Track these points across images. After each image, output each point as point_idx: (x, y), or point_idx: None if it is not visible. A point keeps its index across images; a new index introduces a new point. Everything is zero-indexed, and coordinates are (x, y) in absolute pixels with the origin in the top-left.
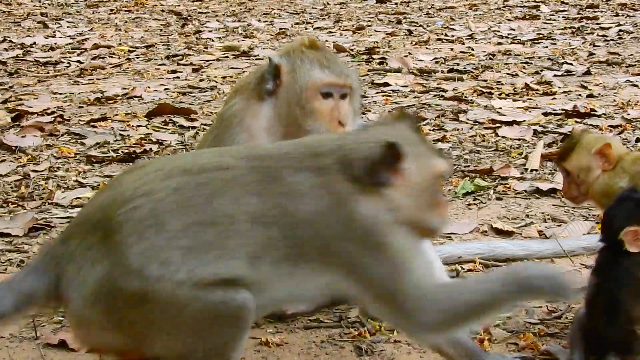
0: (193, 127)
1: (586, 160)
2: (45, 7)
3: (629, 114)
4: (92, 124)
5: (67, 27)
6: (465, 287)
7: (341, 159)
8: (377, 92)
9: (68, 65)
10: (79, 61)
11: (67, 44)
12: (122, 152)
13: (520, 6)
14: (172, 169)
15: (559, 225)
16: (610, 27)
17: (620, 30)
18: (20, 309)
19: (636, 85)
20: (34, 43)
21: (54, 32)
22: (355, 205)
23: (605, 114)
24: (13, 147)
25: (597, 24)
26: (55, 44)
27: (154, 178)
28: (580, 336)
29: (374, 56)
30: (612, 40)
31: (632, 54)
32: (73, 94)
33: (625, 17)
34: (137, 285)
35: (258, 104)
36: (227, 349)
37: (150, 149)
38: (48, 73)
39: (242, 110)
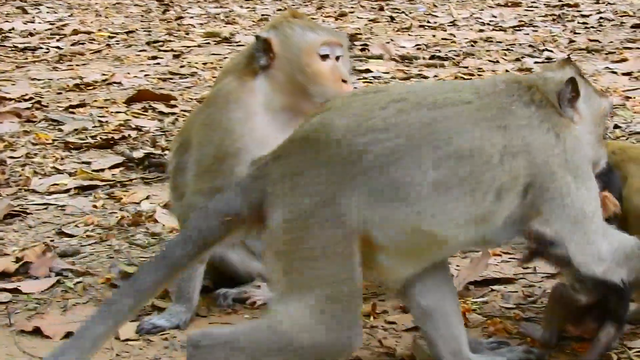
0: (173, 114)
1: None
2: None
3: None
4: (70, 110)
5: (47, 12)
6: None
7: (545, 94)
8: (359, 79)
9: (47, 51)
10: (58, 47)
11: (46, 30)
12: (100, 138)
13: None
14: (415, 103)
15: None
16: (590, 15)
17: (601, 18)
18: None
19: (615, 73)
20: (13, 28)
21: (33, 17)
22: (567, 136)
23: None
24: None
25: (577, 11)
26: (35, 29)
27: (398, 110)
28: (559, 310)
29: (356, 43)
30: (592, 27)
31: (611, 41)
32: (52, 80)
33: (606, 5)
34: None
35: (252, 81)
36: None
37: (129, 135)
38: (27, 59)
39: (236, 88)
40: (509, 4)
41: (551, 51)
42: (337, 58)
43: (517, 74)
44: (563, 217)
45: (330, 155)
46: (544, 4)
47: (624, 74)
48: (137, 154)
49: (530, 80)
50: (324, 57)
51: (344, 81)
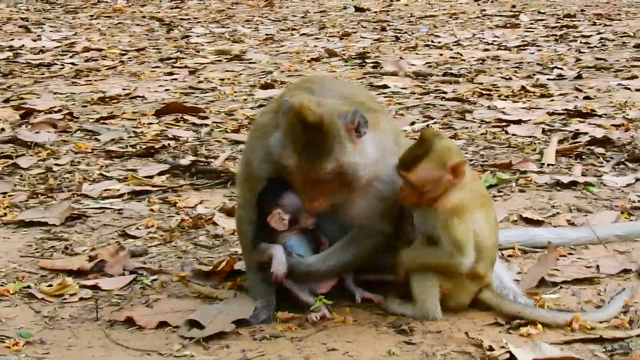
0: (206, 125)
1: (437, 173)
2: (23, 12)
3: (628, 114)
4: (102, 121)
5: (51, 31)
6: None
7: None
8: (378, 94)
9: (62, 67)
10: (72, 63)
11: (55, 47)
12: (140, 147)
13: (499, 15)
14: None
15: (585, 215)
16: (591, 35)
17: (602, 38)
18: None
19: (629, 89)
20: (23, 45)
21: (39, 35)
22: None
23: (605, 114)
24: (29, 143)
25: (578, 32)
26: (44, 47)
27: None
28: None
29: (366, 60)
30: (595, 47)
31: (617, 60)
32: (74, 93)
33: (604, 26)
34: None
35: (276, 126)
36: None
37: (169, 144)
38: (43, 74)
39: (266, 125)
40: (508, 25)
41: (561, 69)
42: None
43: None
44: None
45: None
46: (543, 26)
47: (637, 90)
48: (184, 162)
49: None
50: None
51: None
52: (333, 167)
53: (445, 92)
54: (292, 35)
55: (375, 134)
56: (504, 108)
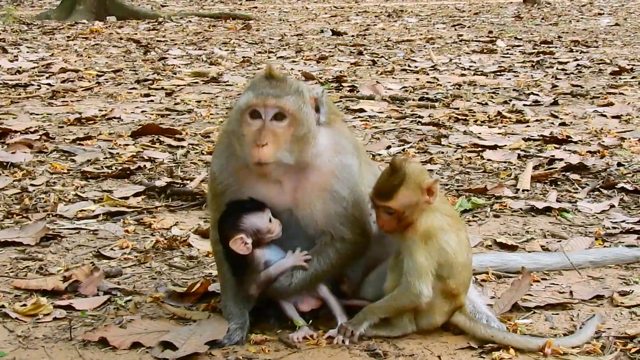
0: (182, 147)
1: (415, 196)
2: (0, 33)
3: (603, 141)
4: (78, 142)
5: (27, 52)
6: None
7: None
8: (354, 117)
9: (39, 87)
10: (49, 84)
11: (32, 68)
12: (115, 168)
13: (476, 40)
14: None
15: (559, 241)
16: (568, 62)
17: (579, 65)
18: None
19: (604, 116)
20: (0, 66)
21: (16, 56)
22: None
23: (581, 141)
24: (5, 163)
25: (554, 58)
26: (20, 67)
27: None
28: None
29: (343, 84)
30: (572, 73)
31: (594, 87)
32: (50, 114)
33: (580, 53)
34: None
35: None
36: None
37: (144, 166)
38: (19, 95)
39: (223, 132)
40: (485, 50)
41: (537, 95)
42: (279, 118)
43: None
44: None
45: None
46: (520, 52)
47: (613, 117)
48: (159, 183)
49: None
50: (254, 115)
51: (258, 144)
52: (290, 106)
53: (421, 117)
54: (269, 58)
55: (333, 131)
56: (479, 133)
